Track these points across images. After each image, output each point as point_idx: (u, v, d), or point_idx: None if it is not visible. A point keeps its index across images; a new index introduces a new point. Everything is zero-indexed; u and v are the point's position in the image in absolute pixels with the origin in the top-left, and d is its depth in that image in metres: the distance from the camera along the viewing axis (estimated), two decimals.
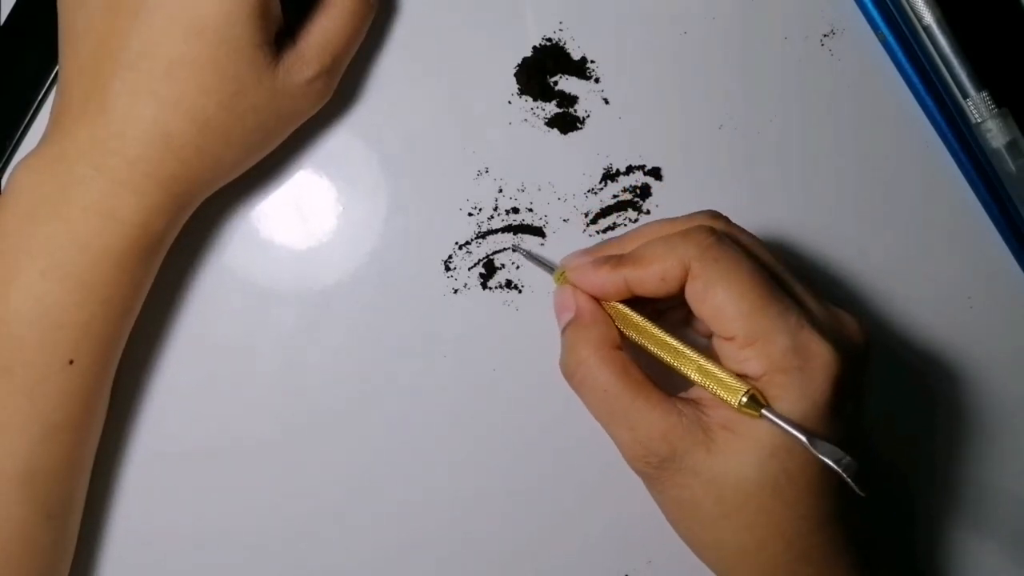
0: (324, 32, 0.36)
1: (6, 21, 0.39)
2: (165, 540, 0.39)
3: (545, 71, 0.40)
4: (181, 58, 0.32)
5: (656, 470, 0.31)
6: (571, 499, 0.40)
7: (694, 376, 0.31)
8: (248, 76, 0.33)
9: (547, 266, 0.38)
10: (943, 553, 0.41)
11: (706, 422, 0.31)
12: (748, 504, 0.30)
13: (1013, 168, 0.40)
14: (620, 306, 0.34)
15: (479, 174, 0.40)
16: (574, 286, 0.34)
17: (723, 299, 0.30)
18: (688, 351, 0.31)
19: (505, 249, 0.40)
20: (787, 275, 0.32)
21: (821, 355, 0.30)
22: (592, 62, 0.40)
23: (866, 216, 0.41)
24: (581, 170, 0.40)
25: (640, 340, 0.33)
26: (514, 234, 0.40)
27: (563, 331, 0.34)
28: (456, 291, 0.40)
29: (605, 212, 0.40)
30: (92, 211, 0.33)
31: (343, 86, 0.39)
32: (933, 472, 0.41)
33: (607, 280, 0.33)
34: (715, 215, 0.34)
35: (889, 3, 0.40)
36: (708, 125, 0.41)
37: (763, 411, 0.29)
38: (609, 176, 0.40)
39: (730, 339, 0.31)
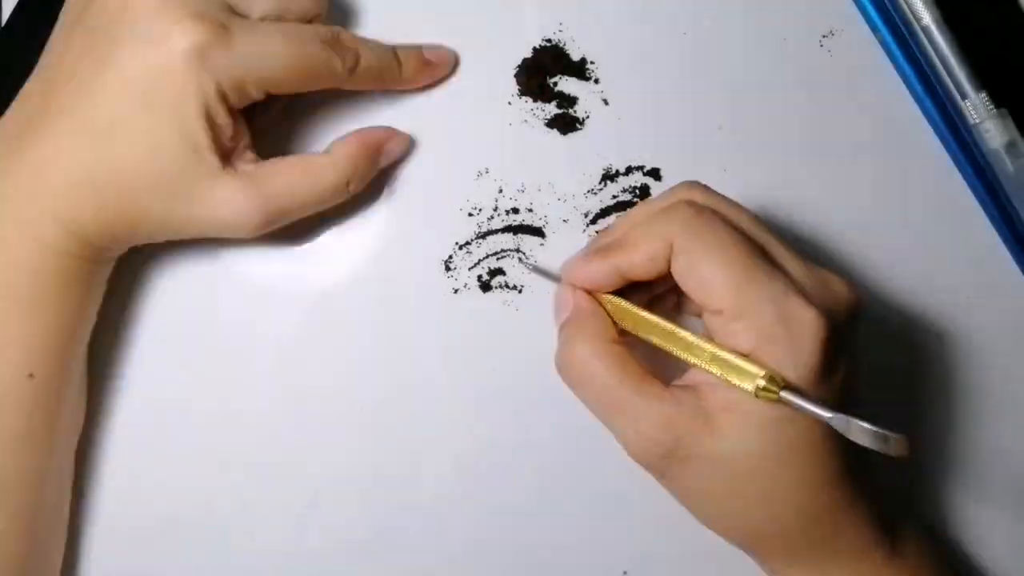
0: (288, 184, 0.35)
1: (7, 22, 0.39)
2: (163, 541, 0.39)
3: (545, 72, 0.40)
4: (123, 122, 0.32)
5: (662, 460, 0.31)
6: (569, 497, 0.40)
7: (706, 365, 0.31)
8: (185, 171, 0.33)
9: (555, 277, 0.37)
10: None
11: (706, 407, 0.31)
12: (756, 477, 0.31)
13: (1012, 168, 0.40)
14: (620, 301, 0.33)
15: (479, 174, 0.40)
16: (571, 284, 0.34)
17: (708, 272, 0.31)
18: (698, 340, 0.31)
19: (506, 251, 0.40)
20: (770, 240, 0.33)
21: (808, 321, 0.30)
22: (592, 63, 0.40)
23: (865, 216, 0.41)
24: (581, 170, 0.40)
25: (644, 334, 0.33)
26: (514, 234, 0.40)
27: (559, 329, 0.34)
28: (456, 291, 0.40)
29: (605, 212, 0.40)
30: (26, 236, 0.33)
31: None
32: (933, 472, 0.41)
33: (598, 270, 0.33)
34: (694, 185, 0.34)
35: (888, 4, 0.41)
36: (708, 125, 0.41)
37: (782, 394, 0.29)
38: (609, 176, 0.40)
39: (718, 312, 0.31)
